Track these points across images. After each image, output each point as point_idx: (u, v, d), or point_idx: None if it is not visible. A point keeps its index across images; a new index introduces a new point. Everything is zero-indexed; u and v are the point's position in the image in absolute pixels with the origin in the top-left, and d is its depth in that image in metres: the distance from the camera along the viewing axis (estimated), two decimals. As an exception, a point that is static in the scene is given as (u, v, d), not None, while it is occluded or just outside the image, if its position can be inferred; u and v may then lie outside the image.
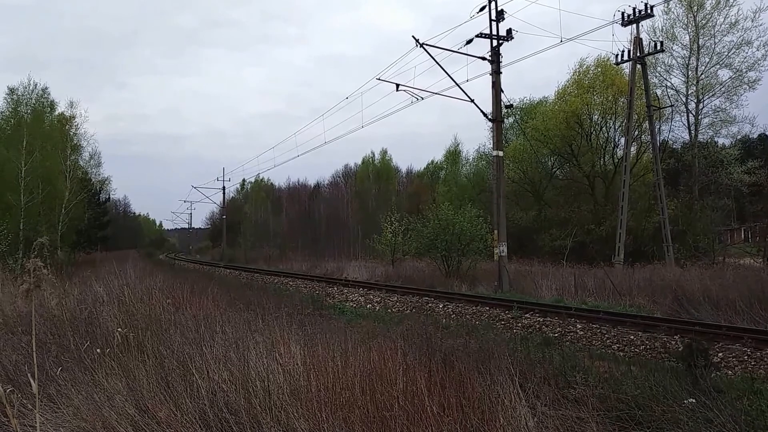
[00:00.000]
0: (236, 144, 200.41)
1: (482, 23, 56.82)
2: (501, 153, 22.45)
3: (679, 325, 11.79)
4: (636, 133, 33.61)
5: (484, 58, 21.62)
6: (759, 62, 32.77)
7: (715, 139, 36.64)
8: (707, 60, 34.16)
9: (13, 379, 5.23)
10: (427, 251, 26.72)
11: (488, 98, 22.12)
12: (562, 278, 19.39)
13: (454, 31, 29.44)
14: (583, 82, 37.74)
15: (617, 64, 29.03)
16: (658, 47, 27.76)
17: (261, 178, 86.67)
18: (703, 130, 35.58)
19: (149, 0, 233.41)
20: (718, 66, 34.08)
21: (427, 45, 21.64)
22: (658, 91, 34.45)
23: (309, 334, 6.98)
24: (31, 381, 3.39)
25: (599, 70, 36.90)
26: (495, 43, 21.42)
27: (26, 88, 33.58)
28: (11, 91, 33.45)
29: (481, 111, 22.84)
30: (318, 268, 35.60)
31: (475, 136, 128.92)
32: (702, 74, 34.36)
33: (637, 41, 26.32)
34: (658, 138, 31.24)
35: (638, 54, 26.42)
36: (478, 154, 52.18)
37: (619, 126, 36.69)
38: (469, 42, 21.57)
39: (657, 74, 34.98)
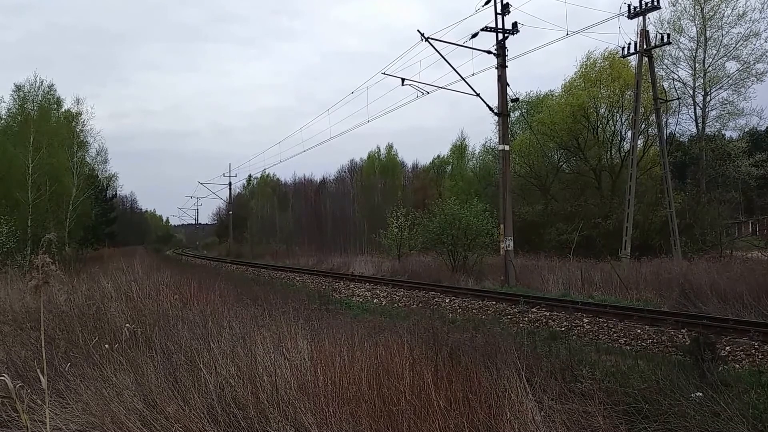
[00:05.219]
0: (242, 140, 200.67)
1: (488, 17, 56.55)
2: (507, 147, 22.40)
3: (686, 319, 11.77)
4: (643, 126, 33.45)
5: (489, 52, 21.55)
6: (767, 54, 32.59)
7: (723, 132, 36.54)
8: (714, 52, 33.98)
9: (22, 375, 5.28)
10: (433, 246, 26.72)
11: (494, 92, 22.09)
12: (569, 272, 19.34)
13: (460, 24, 29.52)
14: (589, 76, 37.57)
15: (624, 56, 28.87)
16: (665, 39, 27.54)
17: (267, 173, 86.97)
18: (711, 123, 35.46)
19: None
20: (726, 58, 33.93)
21: (432, 39, 21.59)
22: (665, 84, 34.30)
23: (316, 329, 7.00)
24: (41, 376, 3.42)
25: (606, 63, 36.73)
26: (500, 36, 21.34)
27: (32, 85, 33.74)
28: (18, 88, 33.63)
29: (487, 105, 22.82)
30: (324, 263, 35.67)
31: (482, 131, 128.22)
32: (709, 66, 34.18)
33: (644, 33, 26.14)
34: (665, 131, 31.09)
35: (645, 46, 26.24)
36: (485, 148, 52.08)
37: (626, 119, 36.55)
38: (474, 36, 21.50)
39: (664, 67, 34.83)
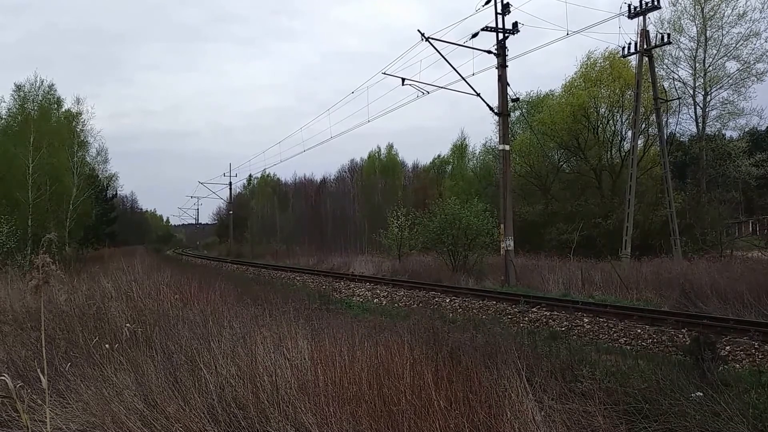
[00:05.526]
0: (242, 140, 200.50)
1: (488, 16, 56.51)
2: (507, 147, 22.40)
3: (686, 319, 11.77)
4: (643, 126, 33.45)
5: (490, 52, 21.54)
6: (767, 54, 32.60)
7: (723, 132, 36.57)
8: (715, 52, 33.98)
9: (23, 375, 5.27)
10: (433, 246, 26.70)
11: (494, 92, 22.09)
12: (569, 272, 19.33)
13: (460, 24, 29.47)
14: (590, 75, 37.56)
15: (624, 56, 28.87)
16: (665, 39, 27.53)
17: (267, 173, 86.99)
18: (711, 123, 35.48)
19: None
20: (726, 58, 33.93)
21: (432, 39, 21.59)
22: (666, 84, 34.31)
23: (316, 329, 7.00)
24: (41, 376, 3.42)
25: (606, 63, 36.72)
26: (501, 36, 21.33)
27: (33, 84, 33.70)
28: (18, 87, 33.59)
29: (487, 105, 22.85)
30: (325, 263, 35.67)
31: (482, 131, 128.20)
32: (709, 66, 34.17)
33: (644, 33, 26.13)
34: (665, 131, 31.09)
35: (645, 46, 26.23)
36: (485, 148, 52.05)
37: (626, 119, 36.55)
38: (474, 35, 21.49)
39: (664, 66, 34.83)
